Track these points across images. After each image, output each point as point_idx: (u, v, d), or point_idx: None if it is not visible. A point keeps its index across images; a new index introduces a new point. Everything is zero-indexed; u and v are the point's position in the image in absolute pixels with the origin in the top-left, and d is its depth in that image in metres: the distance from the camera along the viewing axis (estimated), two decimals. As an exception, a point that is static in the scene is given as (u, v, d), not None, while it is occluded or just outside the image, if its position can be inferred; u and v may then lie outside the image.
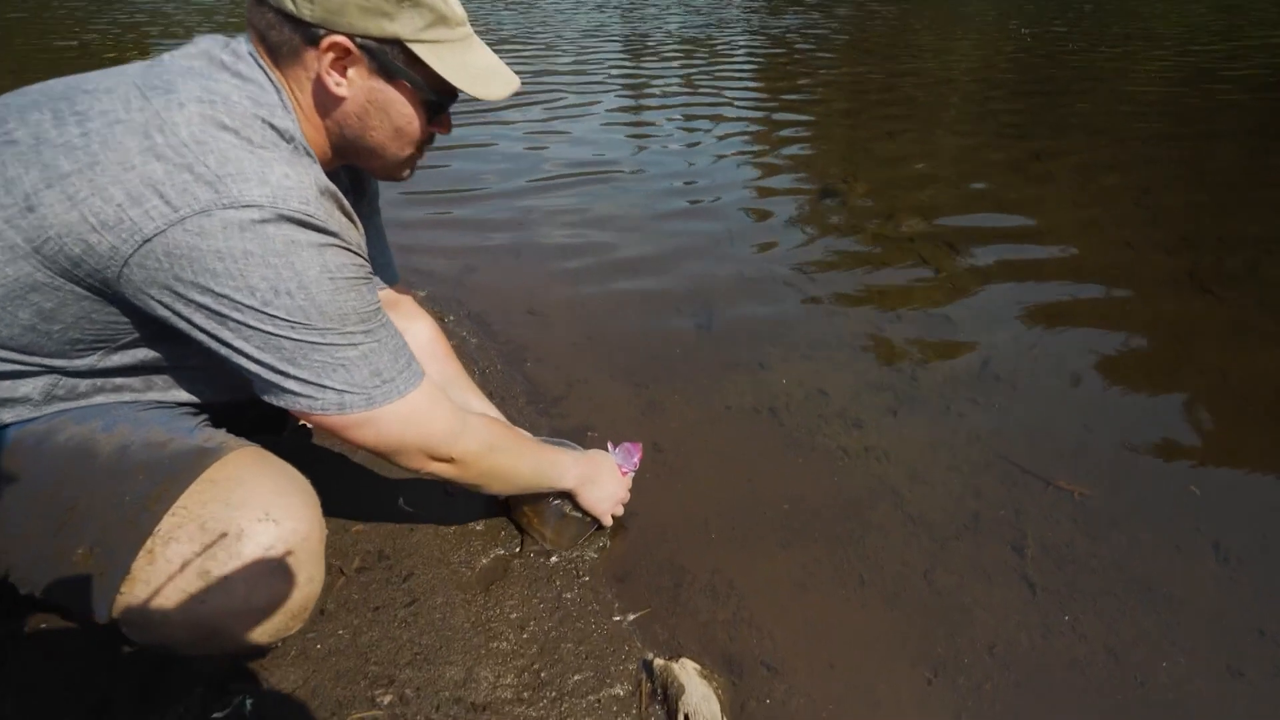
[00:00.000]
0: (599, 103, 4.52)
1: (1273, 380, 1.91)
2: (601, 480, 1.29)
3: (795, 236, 2.68)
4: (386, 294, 1.28)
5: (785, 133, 3.95)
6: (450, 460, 1.01)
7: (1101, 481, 1.58)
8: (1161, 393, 1.86)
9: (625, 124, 4.11)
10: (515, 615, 1.19)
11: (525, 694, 1.07)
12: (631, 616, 1.23)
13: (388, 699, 1.02)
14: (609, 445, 1.48)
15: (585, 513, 1.30)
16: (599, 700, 1.08)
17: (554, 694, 1.08)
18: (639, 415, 1.71)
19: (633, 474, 1.40)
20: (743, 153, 3.62)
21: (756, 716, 1.09)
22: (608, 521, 1.32)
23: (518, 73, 1.01)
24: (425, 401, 0.95)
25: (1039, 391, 1.87)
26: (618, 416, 1.70)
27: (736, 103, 4.54)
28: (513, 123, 4.04)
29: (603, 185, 3.19)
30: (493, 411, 1.39)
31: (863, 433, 1.69)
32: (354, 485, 1.42)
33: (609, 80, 5.13)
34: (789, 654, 1.19)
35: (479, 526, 1.36)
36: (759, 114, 4.35)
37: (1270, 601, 1.30)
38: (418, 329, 1.36)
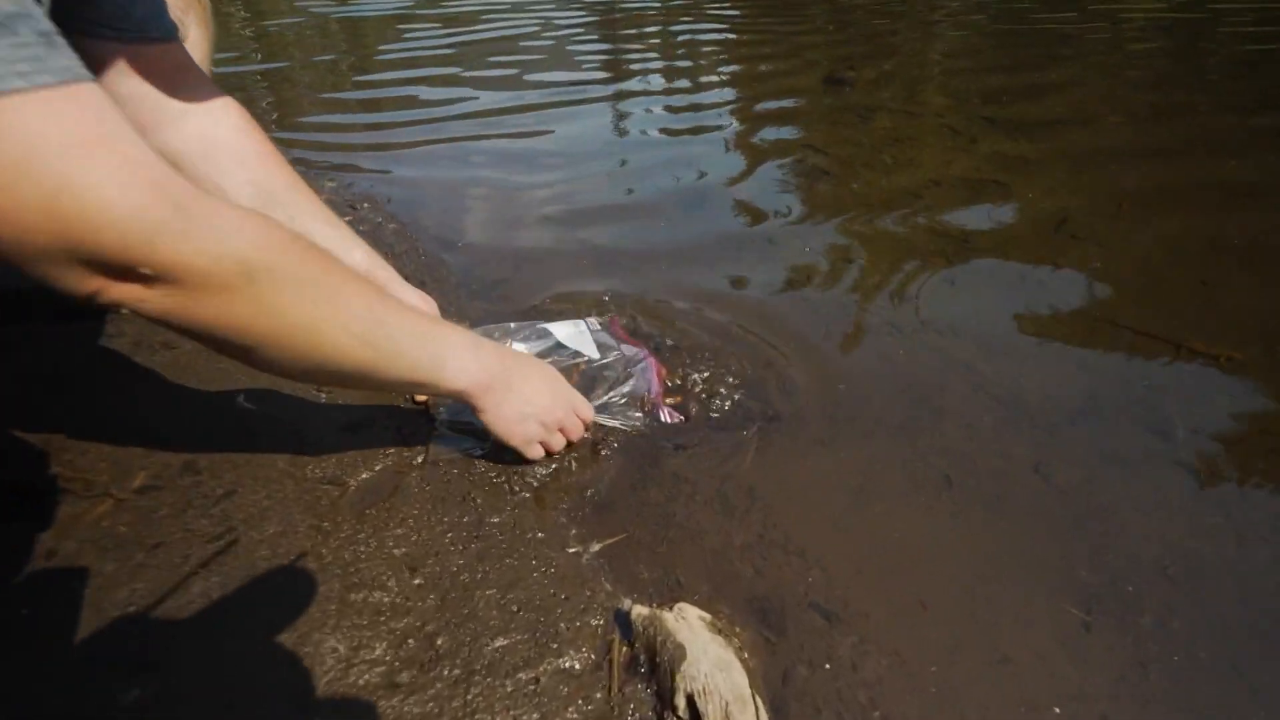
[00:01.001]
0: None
1: None
2: (523, 389, 0.79)
3: (805, 119, 2.21)
4: (150, 51, 0.76)
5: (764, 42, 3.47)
6: (155, 278, 0.51)
7: (1249, 342, 1.13)
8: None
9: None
10: (403, 551, 0.73)
11: (405, 677, 0.61)
12: (596, 546, 0.77)
13: (133, 694, 0.56)
14: (587, 321, 1.01)
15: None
16: (536, 681, 0.62)
17: (457, 673, 0.62)
18: (619, 294, 1.24)
19: (635, 395, 0.95)
20: (726, 51, 3.14)
21: (812, 694, 0.64)
22: (531, 454, 0.83)
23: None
24: (76, 113, 0.47)
25: (1136, 248, 1.42)
26: (588, 303, 1.23)
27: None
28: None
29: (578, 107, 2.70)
30: (379, 271, 0.92)
31: (915, 305, 1.24)
32: (165, 378, 0.94)
33: None
34: (854, 589, 0.73)
35: (363, 429, 0.89)
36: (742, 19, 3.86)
37: None
38: (212, 114, 0.82)
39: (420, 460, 0.84)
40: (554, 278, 1.31)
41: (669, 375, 1.02)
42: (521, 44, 3.19)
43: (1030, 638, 0.70)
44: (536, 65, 2.83)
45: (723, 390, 1.01)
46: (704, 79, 2.68)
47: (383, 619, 0.66)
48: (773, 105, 2.34)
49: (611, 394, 0.93)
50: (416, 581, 0.70)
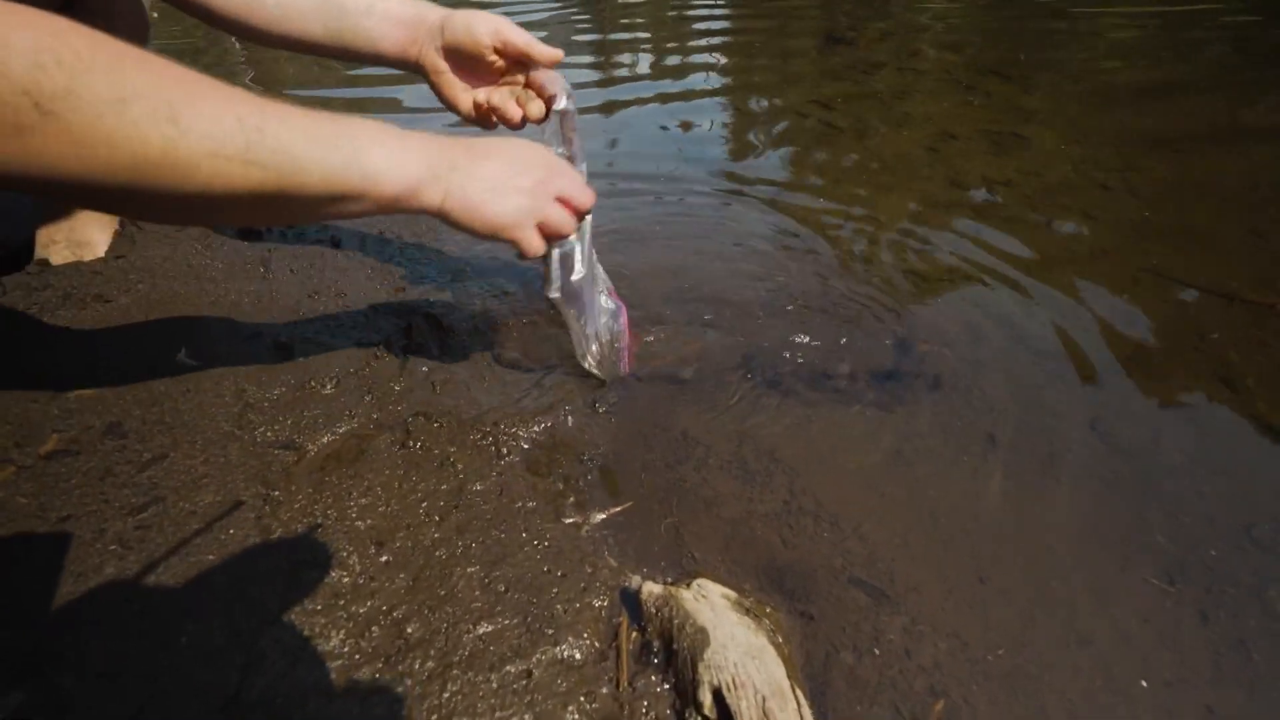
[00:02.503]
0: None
1: None
2: (487, 162, 0.60)
3: (810, 79, 2.09)
4: None
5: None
6: None
7: (1305, 291, 1.03)
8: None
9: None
10: (369, 524, 0.61)
11: (367, 673, 0.50)
12: (598, 517, 0.65)
13: (15, 700, 0.44)
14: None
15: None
16: (528, 674, 0.51)
17: (431, 666, 0.51)
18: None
19: (614, 328, 0.83)
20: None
21: (861, 683, 0.53)
22: (528, 244, 0.63)
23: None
24: None
25: (1172, 196, 1.31)
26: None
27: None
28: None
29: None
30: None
31: (937, 256, 1.13)
32: (94, 334, 0.82)
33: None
34: (899, 562, 0.63)
35: (325, 387, 0.77)
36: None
37: None
38: None
39: (391, 427, 0.73)
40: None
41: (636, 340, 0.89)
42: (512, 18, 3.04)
43: (1110, 614, 0.59)
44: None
45: (736, 344, 0.89)
46: (697, 43, 2.55)
47: (341, 603, 0.54)
48: (776, 65, 2.22)
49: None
50: (384, 558, 0.58)
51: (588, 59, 2.36)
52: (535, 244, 0.64)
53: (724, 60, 2.28)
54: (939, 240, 1.17)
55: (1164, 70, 2.10)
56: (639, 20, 2.91)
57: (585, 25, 2.77)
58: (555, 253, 0.68)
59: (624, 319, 0.85)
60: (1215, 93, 1.88)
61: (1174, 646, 0.57)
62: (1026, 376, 0.87)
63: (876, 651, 0.55)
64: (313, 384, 0.76)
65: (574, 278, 0.71)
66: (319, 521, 0.60)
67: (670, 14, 3.00)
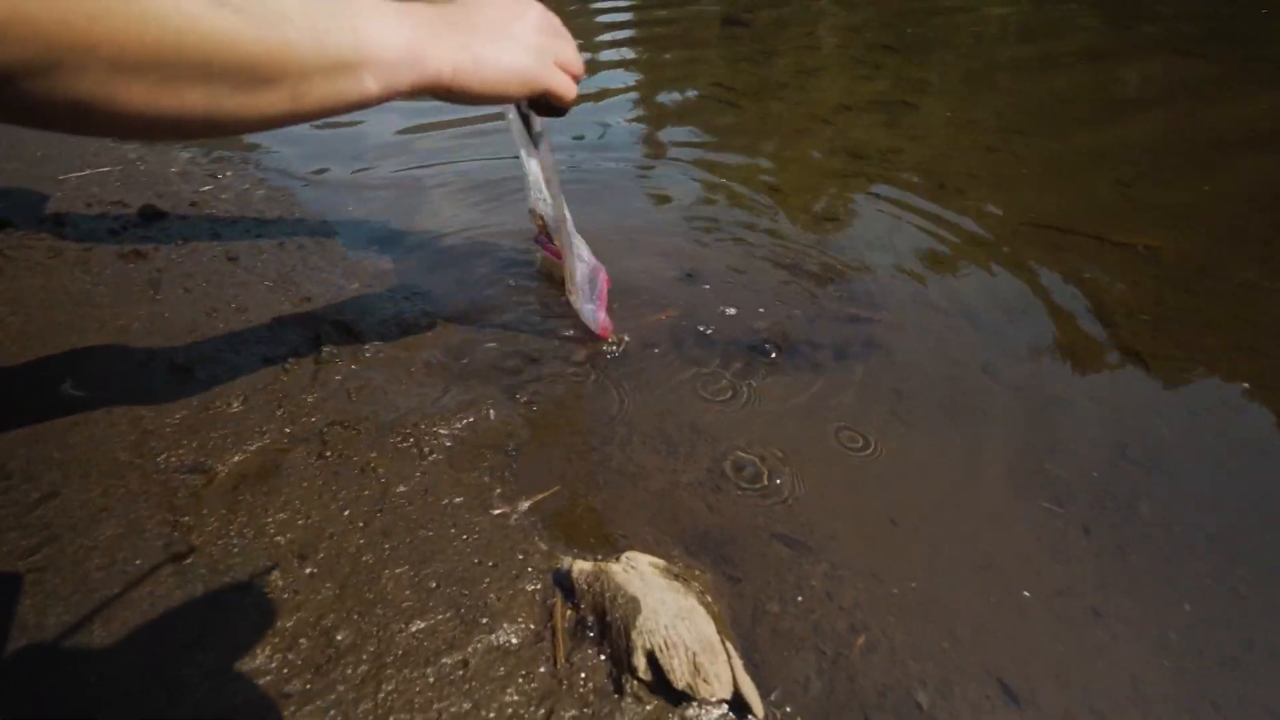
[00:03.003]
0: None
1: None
2: (490, 13, 0.54)
3: (709, 62, 2.12)
4: None
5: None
6: None
7: (1163, 230, 1.13)
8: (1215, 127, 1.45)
9: None
10: (289, 538, 0.60)
11: (297, 685, 0.49)
12: (525, 504, 0.66)
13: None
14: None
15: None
16: (464, 664, 0.51)
17: (364, 669, 0.50)
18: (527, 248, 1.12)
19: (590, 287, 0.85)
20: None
21: (788, 629, 0.56)
22: (564, 88, 0.59)
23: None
24: None
25: (1049, 155, 1.41)
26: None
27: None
28: None
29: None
30: None
31: (843, 225, 1.18)
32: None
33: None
34: (818, 515, 0.66)
35: (232, 405, 0.74)
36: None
37: None
38: None
39: (306, 439, 0.71)
40: (462, 244, 1.17)
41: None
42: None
43: (1009, 538, 0.64)
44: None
45: (649, 322, 0.91)
46: (602, 37, 2.55)
47: (265, 620, 0.53)
48: (677, 53, 2.24)
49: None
50: (308, 570, 0.57)
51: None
52: (567, 84, 0.58)
53: (631, 54, 2.29)
54: (839, 208, 1.22)
55: (1040, 42, 2.24)
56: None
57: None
58: (539, 121, 0.75)
59: (603, 279, 0.87)
60: (1085, 58, 2.02)
61: (1063, 559, 0.62)
62: (927, 331, 0.92)
63: (800, 599, 0.58)
64: (218, 404, 0.74)
65: (549, 210, 0.78)
66: (235, 542, 0.58)
67: (571, 8, 2.98)
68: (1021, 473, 0.72)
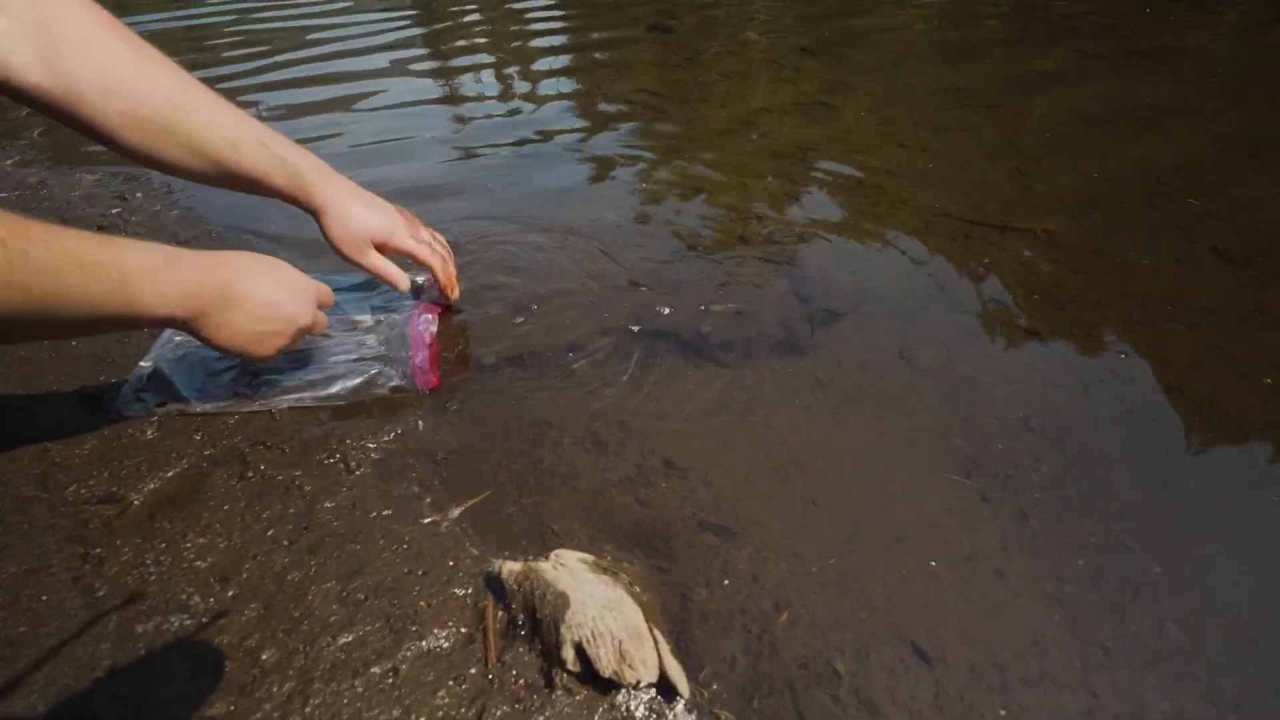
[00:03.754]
0: None
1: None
2: (249, 300, 0.66)
3: (635, 68, 2.15)
4: None
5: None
6: None
7: (1060, 215, 1.21)
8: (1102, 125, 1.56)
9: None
10: (210, 562, 0.59)
11: (220, 709, 0.48)
12: (456, 511, 0.66)
13: None
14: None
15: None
16: (394, 671, 0.51)
17: (291, 686, 0.50)
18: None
19: (415, 322, 0.84)
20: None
21: (715, 613, 0.58)
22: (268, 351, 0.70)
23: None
24: None
25: (957, 149, 1.49)
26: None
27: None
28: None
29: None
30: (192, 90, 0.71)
31: (764, 223, 1.22)
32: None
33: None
34: (743, 501, 0.68)
35: (147, 432, 0.72)
36: None
37: (1273, 289, 1.00)
38: None
39: (235, 462, 0.69)
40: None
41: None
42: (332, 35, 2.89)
43: (921, 511, 0.68)
44: (345, 53, 2.56)
45: (586, 325, 0.93)
46: (531, 45, 2.55)
47: (185, 646, 0.52)
48: (603, 58, 2.27)
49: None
50: (230, 593, 0.56)
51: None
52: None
53: (559, 63, 2.30)
54: (761, 207, 1.27)
55: (950, 44, 2.36)
56: (475, 20, 2.86)
57: (420, 47, 2.69)
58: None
59: (426, 331, 0.85)
60: (991, 54, 2.14)
61: (970, 527, 0.67)
62: (845, 321, 0.96)
63: (727, 582, 0.60)
64: (131, 432, 0.71)
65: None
66: (151, 571, 0.57)
67: (507, 29, 2.97)
68: (933, 449, 0.76)
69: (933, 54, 2.18)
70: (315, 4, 3.13)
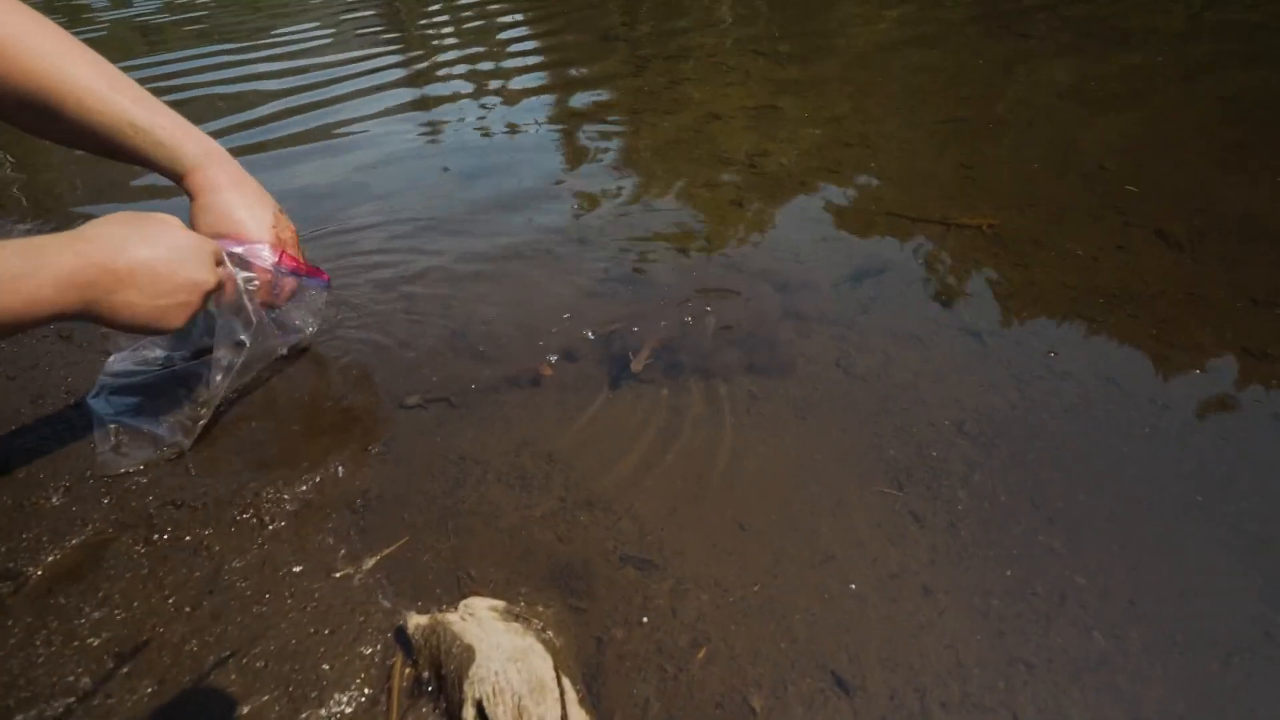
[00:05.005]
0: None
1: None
2: (147, 266, 0.62)
3: (588, 78, 2.14)
4: None
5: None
6: None
7: (1003, 209, 1.21)
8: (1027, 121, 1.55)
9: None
10: (105, 638, 0.56)
11: (100, 797, 0.46)
12: (370, 561, 0.64)
13: None
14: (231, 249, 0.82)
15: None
16: (289, 743, 0.49)
17: (176, 770, 0.48)
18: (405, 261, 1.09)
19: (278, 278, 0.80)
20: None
21: (631, 654, 0.56)
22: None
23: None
24: None
25: (901, 146, 1.49)
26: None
27: None
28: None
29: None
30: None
31: (709, 231, 1.21)
32: None
33: None
34: (668, 530, 0.67)
35: (52, 499, 0.69)
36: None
37: (1210, 271, 0.99)
38: None
39: (120, 527, 0.67)
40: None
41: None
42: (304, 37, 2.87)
43: (850, 529, 0.67)
44: (318, 50, 2.54)
45: (515, 355, 0.91)
46: (484, 53, 2.54)
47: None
48: (555, 69, 2.25)
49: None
50: (124, 670, 0.54)
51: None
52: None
53: (512, 69, 2.29)
54: (707, 216, 1.25)
55: (894, 40, 2.36)
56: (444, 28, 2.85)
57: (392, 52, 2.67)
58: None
59: (282, 260, 0.81)
60: (937, 48, 2.14)
61: (899, 543, 0.65)
62: (784, 332, 0.95)
63: (645, 619, 0.59)
64: (35, 499, 0.69)
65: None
66: (40, 652, 0.55)
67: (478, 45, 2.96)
68: (866, 461, 0.74)
69: (881, 51, 2.18)
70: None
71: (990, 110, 1.62)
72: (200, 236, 0.69)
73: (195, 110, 2.09)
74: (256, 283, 0.77)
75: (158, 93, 0.76)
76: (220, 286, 0.70)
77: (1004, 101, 1.67)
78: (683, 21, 2.73)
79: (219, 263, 0.70)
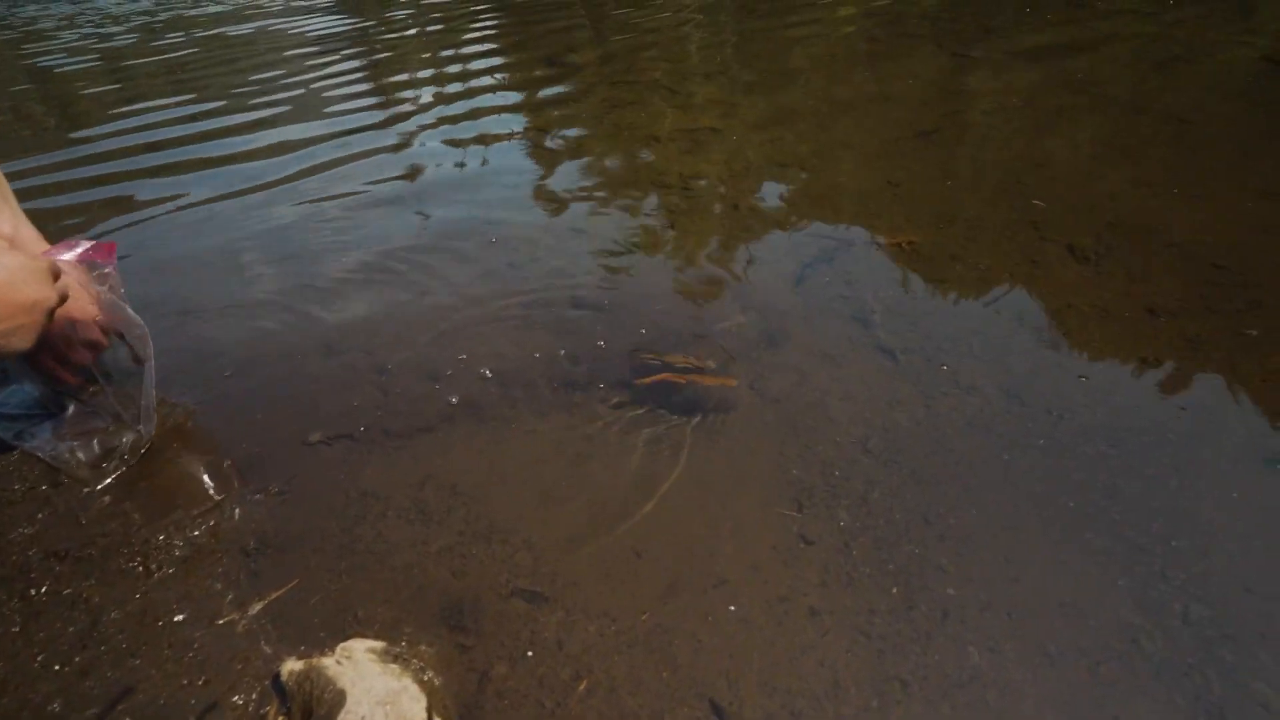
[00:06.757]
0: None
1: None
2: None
3: (531, 104, 2.16)
4: None
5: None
6: None
7: (924, 227, 1.23)
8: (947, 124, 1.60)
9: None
10: (-35, 697, 0.55)
11: None
12: (257, 606, 0.63)
13: None
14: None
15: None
16: (143, 803, 0.48)
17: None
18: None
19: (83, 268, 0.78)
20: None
21: (512, 690, 0.55)
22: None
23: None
24: None
25: (832, 165, 1.52)
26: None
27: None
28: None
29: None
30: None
31: (635, 258, 1.22)
32: None
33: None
34: (564, 561, 0.66)
35: (-71, 557, 0.67)
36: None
37: (1114, 284, 1.02)
38: None
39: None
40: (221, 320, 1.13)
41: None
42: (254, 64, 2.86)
43: (746, 553, 0.67)
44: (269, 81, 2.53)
45: (424, 387, 0.90)
46: (421, 74, 2.55)
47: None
48: (499, 96, 2.27)
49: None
50: (-18, 733, 0.52)
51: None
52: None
53: (454, 91, 2.30)
54: (636, 241, 1.26)
55: (829, 62, 2.41)
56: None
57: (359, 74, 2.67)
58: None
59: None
60: (861, 67, 2.20)
61: (792, 564, 0.65)
62: (697, 355, 0.96)
63: (530, 654, 0.58)
64: (-89, 555, 0.67)
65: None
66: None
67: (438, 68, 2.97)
68: (770, 483, 0.75)
69: (819, 71, 2.23)
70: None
71: (919, 125, 1.66)
72: (31, 254, 0.67)
73: None
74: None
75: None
76: (63, 300, 0.67)
77: (934, 116, 1.71)
78: (626, 48, 2.77)
79: (57, 277, 0.68)
